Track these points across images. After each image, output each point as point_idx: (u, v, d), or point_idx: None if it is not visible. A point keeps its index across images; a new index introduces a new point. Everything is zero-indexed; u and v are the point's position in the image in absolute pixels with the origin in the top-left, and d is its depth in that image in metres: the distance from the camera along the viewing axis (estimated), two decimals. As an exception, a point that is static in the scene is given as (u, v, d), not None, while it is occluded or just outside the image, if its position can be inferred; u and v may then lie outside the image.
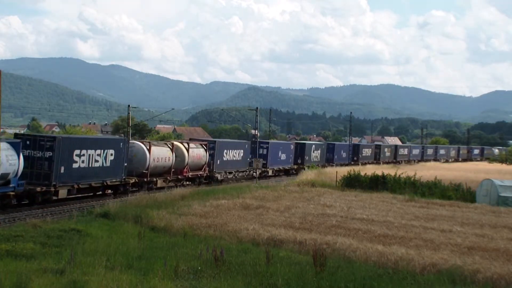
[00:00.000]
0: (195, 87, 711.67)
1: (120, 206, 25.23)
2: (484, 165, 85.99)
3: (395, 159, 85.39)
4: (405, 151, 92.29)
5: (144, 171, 35.08)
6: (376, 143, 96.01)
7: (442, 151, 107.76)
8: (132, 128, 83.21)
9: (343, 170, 44.97)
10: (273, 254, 15.72)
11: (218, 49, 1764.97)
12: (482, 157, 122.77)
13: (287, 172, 57.91)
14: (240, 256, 16.18)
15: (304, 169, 54.83)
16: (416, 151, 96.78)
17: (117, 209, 24.14)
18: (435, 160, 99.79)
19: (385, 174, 40.20)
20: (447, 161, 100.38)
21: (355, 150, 76.09)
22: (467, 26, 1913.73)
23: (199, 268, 14.36)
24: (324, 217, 23.64)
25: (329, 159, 67.64)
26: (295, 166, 59.55)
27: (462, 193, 35.37)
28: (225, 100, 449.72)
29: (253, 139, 58.68)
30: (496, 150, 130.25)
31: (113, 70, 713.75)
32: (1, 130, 33.57)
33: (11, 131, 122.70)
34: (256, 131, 57.71)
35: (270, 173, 54.19)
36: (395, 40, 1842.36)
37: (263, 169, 50.52)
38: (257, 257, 15.81)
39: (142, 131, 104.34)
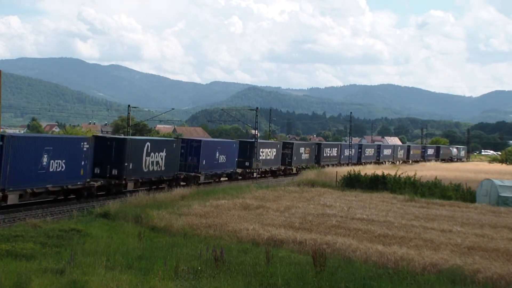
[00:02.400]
0: (195, 87, 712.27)
1: (120, 206, 25.22)
2: (484, 165, 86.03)
3: (317, 163, 64.06)
4: (333, 152, 70.39)
5: None
6: (286, 141, 68.57)
7: (386, 152, 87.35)
8: (132, 128, 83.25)
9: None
10: (273, 254, 15.71)
11: (218, 49, 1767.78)
12: (438, 158, 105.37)
13: (76, 194, 30.01)
14: (240, 256, 16.18)
15: (125, 188, 33.38)
16: (349, 152, 76.12)
17: (117, 209, 24.12)
18: (377, 162, 78.70)
19: (385, 174, 40.26)
20: (393, 163, 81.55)
21: (246, 150, 50.48)
22: (466, 26, 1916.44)
23: (199, 268, 14.35)
24: (324, 217, 23.63)
25: (192, 166, 40.95)
26: (97, 183, 31.26)
27: (462, 193, 35.37)
28: (225, 100, 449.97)
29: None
30: (454, 150, 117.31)
31: (113, 70, 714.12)
32: (1, 130, 33.36)
33: (11, 131, 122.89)
34: (256, 131, 57.51)
35: (10, 200, 25.36)
36: (395, 40, 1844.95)
37: None
38: (257, 257, 15.81)
39: (142, 131, 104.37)
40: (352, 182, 40.05)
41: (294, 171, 58.44)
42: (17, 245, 16.25)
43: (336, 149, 71.71)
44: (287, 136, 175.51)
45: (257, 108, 58.67)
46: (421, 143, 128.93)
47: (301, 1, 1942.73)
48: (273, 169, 54.74)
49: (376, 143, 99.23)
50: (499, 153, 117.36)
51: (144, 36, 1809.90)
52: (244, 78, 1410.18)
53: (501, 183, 32.74)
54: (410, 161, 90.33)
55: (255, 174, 49.75)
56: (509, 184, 32.80)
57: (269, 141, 65.70)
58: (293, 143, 61.42)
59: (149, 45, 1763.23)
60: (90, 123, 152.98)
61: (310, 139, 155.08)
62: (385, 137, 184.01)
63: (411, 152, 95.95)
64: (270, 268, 14.52)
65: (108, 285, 12.26)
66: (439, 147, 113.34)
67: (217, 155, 44.58)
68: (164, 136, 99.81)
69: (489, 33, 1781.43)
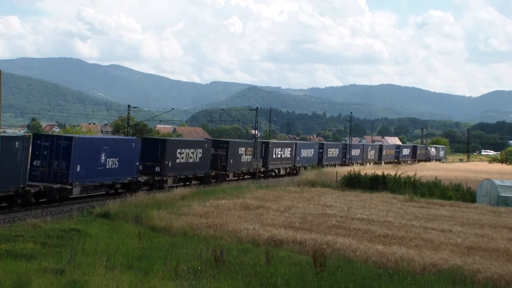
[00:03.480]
0: (195, 87, 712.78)
1: (120, 206, 25.23)
2: (484, 165, 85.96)
3: (264, 165, 53.13)
4: (286, 153, 57.66)
5: None
6: (220, 139, 52.92)
7: (354, 152, 75.28)
8: (132, 128, 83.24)
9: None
10: (273, 254, 15.71)
11: (217, 49, 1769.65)
12: (414, 158, 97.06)
13: None
14: (240, 256, 16.17)
15: None
16: (307, 153, 62.09)
17: (117, 209, 24.13)
18: (343, 164, 67.94)
19: (385, 174, 40.29)
20: (362, 164, 70.65)
21: (155, 151, 37.47)
22: (465, 26, 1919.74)
23: (199, 268, 14.34)
24: (324, 217, 23.63)
25: (59, 174, 29.21)
26: None
27: (462, 193, 35.37)
28: (225, 100, 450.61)
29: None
30: (432, 150, 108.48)
31: (113, 70, 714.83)
32: (1, 130, 33.01)
33: (11, 131, 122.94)
34: (256, 131, 57.42)
35: None
36: (394, 40, 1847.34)
37: None
38: (257, 257, 15.80)
39: (142, 131, 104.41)
40: (352, 182, 40.06)
41: (231, 177, 46.58)
42: (17, 245, 16.24)
43: (289, 149, 58.38)
44: (287, 136, 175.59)
45: (257, 108, 58.61)
46: (421, 143, 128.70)
47: (300, 1, 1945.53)
48: (198, 175, 41.78)
49: (339, 143, 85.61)
50: (499, 153, 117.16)
51: (144, 36, 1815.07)
52: (244, 78, 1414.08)
53: (501, 183, 32.73)
54: (382, 163, 79.25)
55: (169, 182, 38.18)
56: (509, 184, 32.80)
57: (191, 138, 56.17)
58: (229, 141, 47.75)
59: (148, 45, 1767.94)
60: (90, 123, 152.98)
61: (310, 139, 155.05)
62: (385, 137, 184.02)
63: (384, 153, 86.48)
64: (270, 268, 14.52)
65: (108, 285, 12.25)
66: (416, 146, 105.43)
67: (103, 158, 31.86)
68: (164, 136, 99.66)
69: (488, 33, 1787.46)
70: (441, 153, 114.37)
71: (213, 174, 44.16)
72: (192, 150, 41.13)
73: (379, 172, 41.41)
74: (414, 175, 39.92)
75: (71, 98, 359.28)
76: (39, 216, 24.61)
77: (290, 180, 47.41)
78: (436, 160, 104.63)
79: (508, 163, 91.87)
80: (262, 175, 52.23)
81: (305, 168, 57.31)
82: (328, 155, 67.76)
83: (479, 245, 18.61)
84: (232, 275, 13.91)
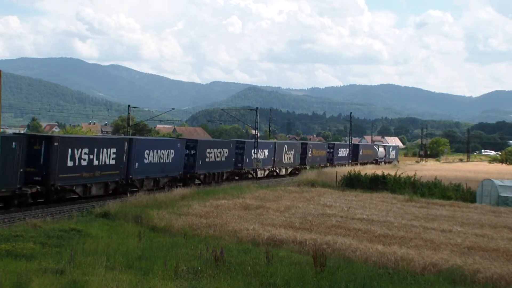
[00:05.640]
0: (195, 87, 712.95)
1: (120, 206, 25.20)
2: (484, 165, 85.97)
3: (46, 184, 26.51)
4: (107, 158, 31.27)
5: None
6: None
7: (261, 154, 52.53)
8: (132, 128, 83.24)
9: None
10: (273, 254, 15.70)
11: (217, 49, 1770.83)
12: (356, 161, 74.88)
13: None
14: (240, 256, 16.17)
15: None
16: (160, 156, 38.52)
17: (117, 209, 24.11)
18: (234, 172, 48.37)
19: (385, 174, 40.35)
20: (272, 172, 55.52)
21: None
22: (465, 26, 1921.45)
23: (199, 268, 14.34)
24: (324, 217, 23.63)
25: None
26: None
27: (462, 193, 35.38)
28: (225, 100, 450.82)
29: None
30: (380, 150, 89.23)
31: (113, 70, 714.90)
32: (1, 130, 32.63)
33: (11, 131, 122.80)
34: (256, 131, 57.42)
35: None
36: (394, 40, 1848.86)
37: None
38: (257, 257, 15.80)
39: (142, 131, 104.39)
40: (352, 182, 40.14)
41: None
42: (17, 245, 16.23)
43: (115, 150, 32.92)
44: (287, 136, 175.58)
45: (257, 108, 58.59)
46: (421, 143, 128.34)
47: (300, 1, 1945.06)
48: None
49: (233, 139, 56.19)
50: (499, 153, 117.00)
51: (144, 36, 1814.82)
52: (243, 78, 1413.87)
53: (501, 183, 32.74)
54: (307, 167, 58.78)
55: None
56: (509, 184, 32.81)
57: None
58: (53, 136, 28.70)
59: (148, 45, 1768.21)
60: (90, 123, 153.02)
61: (310, 139, 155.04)
62: (385, 137, 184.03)
63: (309, 154, 63.24)
64: (270, 268, 14.52)
65: (108, 285, 12.25)
66: (358, 146, 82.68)
67: None
68: (164, 136, 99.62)
69: (487, 33, 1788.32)
70: (392, 153, 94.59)
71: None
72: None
73: (379, 172, 41.53)
74: (414, 175, 40.00)
75: (71, 98, 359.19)
76: (39, 216, 24.56)
77: (290, 180, 47.42)
78: (385, 162, 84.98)
79: (508, 163, 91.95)
80: (54, 198, 28.57)
81: (157, 180, 37.28)
82: (207, 160, 42.90)
83: (479, 245, 18.61)
84: (232, 275, 13.90)
